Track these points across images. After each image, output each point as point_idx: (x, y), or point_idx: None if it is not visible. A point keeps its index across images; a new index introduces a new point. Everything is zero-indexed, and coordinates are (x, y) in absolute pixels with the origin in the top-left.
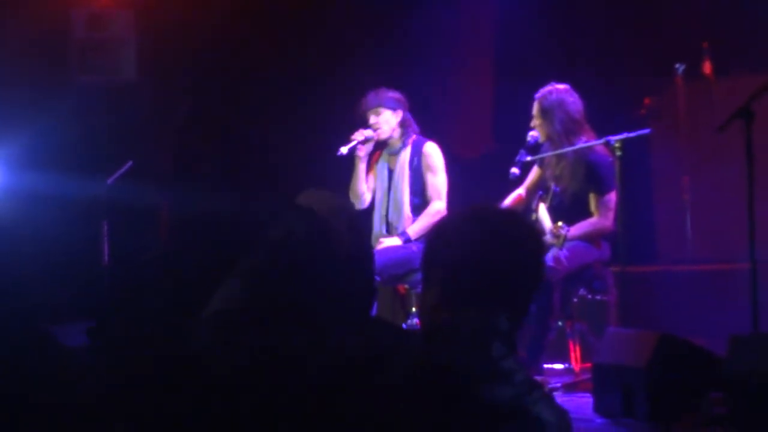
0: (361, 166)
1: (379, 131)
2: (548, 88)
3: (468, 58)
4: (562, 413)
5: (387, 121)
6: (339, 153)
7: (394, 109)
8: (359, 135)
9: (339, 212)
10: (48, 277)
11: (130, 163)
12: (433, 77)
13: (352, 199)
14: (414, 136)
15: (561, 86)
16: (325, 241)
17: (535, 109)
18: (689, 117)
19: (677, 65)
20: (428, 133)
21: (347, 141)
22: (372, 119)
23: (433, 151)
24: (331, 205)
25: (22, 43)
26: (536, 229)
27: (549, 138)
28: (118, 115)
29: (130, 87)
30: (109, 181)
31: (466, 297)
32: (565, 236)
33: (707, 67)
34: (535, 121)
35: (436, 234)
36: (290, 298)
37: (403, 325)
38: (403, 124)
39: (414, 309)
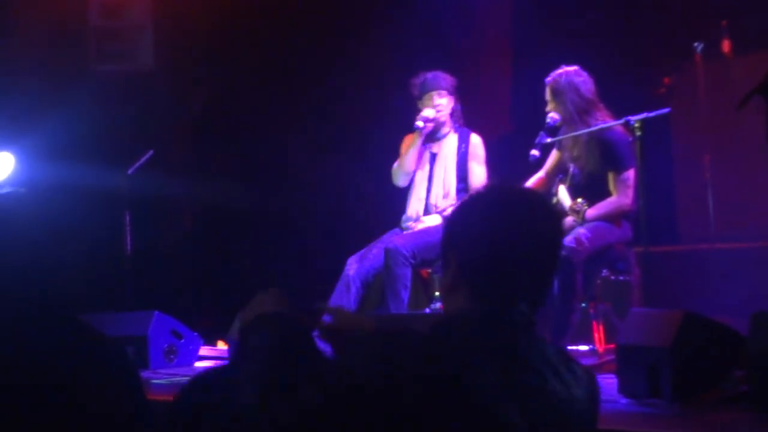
0: (419, 143)
1: (440, 113)
2: (557, 71)
3: (486, 41)
4: (591, 391)
5: (447, 105)
6: (416, 126)
7: (451, 93)
8: (429, 111)
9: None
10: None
11: (150, 152)
12: (451, 60)
13: (399, 174)
14: (459, 124)
15: (570, 68)
16: None
17: (548, 93)
18: (709, 96)
19: (696, 44)
20: None
21: (415, 120)
22: (436, 99)
23: (478, 142)
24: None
25: (38, 33)
26: (555, 210)
27: (564, 120)
28: (137, 103)
29: (147, 75)
30: (130, 171)
31: (484, 279)
32: (585, 212)
33: (726, 46)
34: (549, 105)
35: (455, 214)
36: None
37: (427, 310)
38: (453, 113)
39: (437, 293)
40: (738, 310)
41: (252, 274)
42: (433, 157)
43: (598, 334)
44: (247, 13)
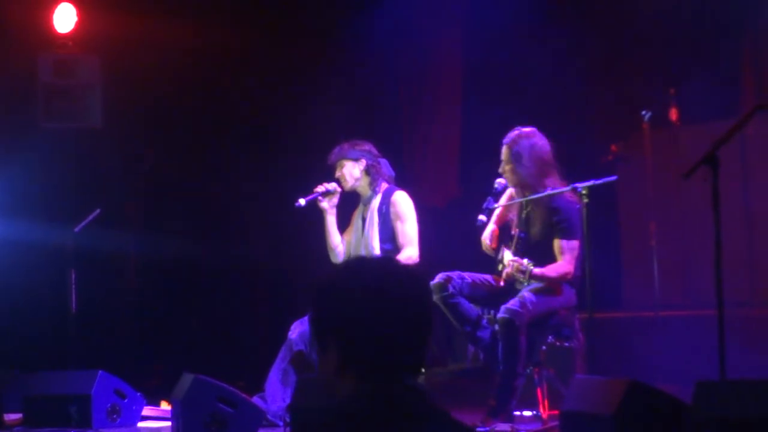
0: (330, 219)
1: (343, 183)
2: (515, 132)
3: (435, 107)
4: None
5: (349, 172)
6: (297, 204)
7: (356, 159)
8: (320, 188)
9: None
10: (16, 324)
11: (97, 210)
12: (400, 125)
13: (329, 252)
14: (385, 185)
15: (527, 129)
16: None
17: (504, 154)
18: (656, 163)
19: (644, 112)
20: (396, 182)
21: (310, 193)
22: (337, 172)
23: (401, 200)
24: None
25: None
26: (418, 273)
27: (519, 182)
28: (85, 161)
29: (96, 133)
30: (77, 229)
31: (369, 355)
32: (530, 271)
33: (674, 114)
34: (505, 167)
35: (320, 300)
36: None
37: None
38: (368, 172)
39: None
40: (681, 376)
41: (198, 334)
42: (364, 222)
43: (543, 400)
44: (196, 74)
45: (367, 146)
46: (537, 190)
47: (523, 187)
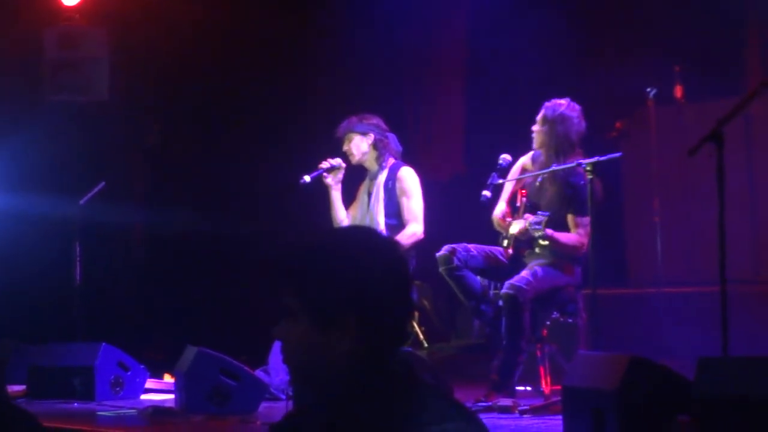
0: (335, 195)
1: (350, 156)
2: (560, 100)
3: (439, 82)
4: None
5: (357, 146)
6: (302, 181)
7: (363, 133)
8: (325, 164)
9: None
10: (21, 296)
11: (102, 183)
12: (404, 100)
13: (334, 225)
14: (392, 160)
15: (573, 104)
16: None
17: (540, 114)
18: (660, 140)
19: (648, 89)
20: (403, 157)
21: (315, 169)
22: (345, 146)
23: (407, 175)
24: None
25: None
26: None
27: (547, 145)
28: (91, 134)
29: (102, 106)
30: (82, 201)
31: (387, 327)
32: (545, 225)
33: (678, 91)
34: (536, 126)
35: (325, 269)
36: None
37: None
38: (376, 147)
39: None
40: (685, 353)
41: (201, 308)
42: (369, 196)
43: (545, 375)
44: (202, 46)
45: (376, 120)
46: (559, 161)
47: (549, 150)
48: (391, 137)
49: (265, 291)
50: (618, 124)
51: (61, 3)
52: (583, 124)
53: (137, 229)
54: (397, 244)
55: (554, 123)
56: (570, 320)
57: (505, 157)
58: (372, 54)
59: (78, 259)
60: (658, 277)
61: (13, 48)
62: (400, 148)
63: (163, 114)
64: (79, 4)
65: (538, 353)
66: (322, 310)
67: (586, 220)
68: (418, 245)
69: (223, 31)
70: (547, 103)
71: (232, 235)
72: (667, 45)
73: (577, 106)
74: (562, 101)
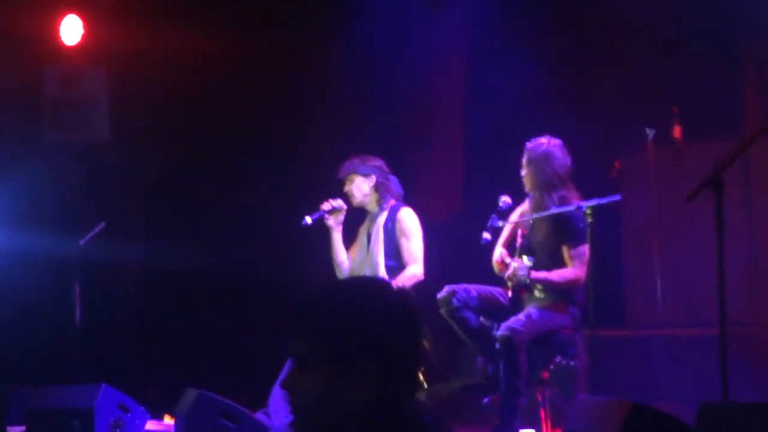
0: (336, 236)
1: (351, 198)
2: (541, 139)
3: (439, 120)
4: None
5: (359, 187)
6: (303, 222)
7: (366, 175)
8: (326, 205)
9: None
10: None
11: (102, 224)
12: (404, 138)
13: (335, 268)
14: (393, 202)
15: (554, 140)
16: None
17: (524, 157)
18: (659, 180)
19: (647, 129)
20: (404, 199)
21: (316, 210)
22: (345, 186)
23: (407, 216)
24: None
25: None
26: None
27: (535, 187)
28: (91, 173)
29: (102, 145)
30: (82, 242)
31: (406, 371)
32: (529, 270)
33: (677, 131)
34: (523, 170)
35: (346, 315)
36: None
37: None
38: (378, 189)
39: None
40: (683, 396)
41: (202, 347)
42: (369, 237)
43: (545, 418)
44: (202, 86)
45: (378, 162)
46: (551, 197)
47: (540, 189)
48: (393, 180)
49: (266, 330)
50: (617, 164)
51: (61, 43)
52: (568, 157)
53: (137, 268)
54: (409, 294)
55: (539, 162)
56: (571, 363)
57: (505, 200)
58: (372, 93)
59: (78, 299)
60: (658, 319)
61: (13, 87)
62: (402, 191)
63: (164, 152)
64: (78, 44)
65: (539, 396)
66: (344, 357)
67: (582, 249)
68: (418, 285)
69: (223, 69)
70: (528, 144)
71: (233, 274)
72: (666, 85)
73: (558, 141)
74: (542, 139)
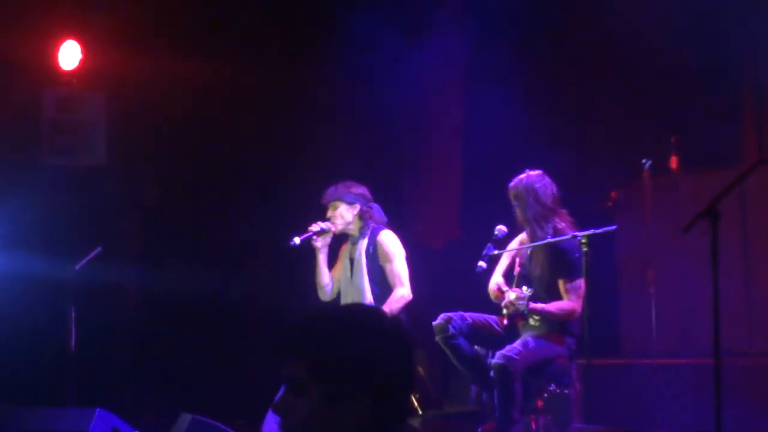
0: (321, 257)
1: (333, 224)
2: (520, 175)
3: (436, 148)
4: None
5: (342, 214)
6: (291, 242)
7: (350, 203)
8: (315, 227)
9: None
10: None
11: (99, 248)
12: (401, 166)
13: (318, 290)
14: (368, 228)
15: (533, 172)
16: None
17: (510, 196)
18: (655, 210)
19: (644, 160)
20: (397, 222)
21: (304, 231)
22: (329, 212)
23: (387, 239)
24: None
25: None
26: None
27: (526, 222)
28: (88, 197)
29: (99, 170)
30: (78, 266)
31: (398, 394)
32: (528, 300)
33: (673, 162)
34: (514, 209)
35: (341, 344)
36: None
37: None
38: (362, 217)
39: None
40: (678, 426)
41: (196, 370)
42: (352, 263)
43: None
44: (200, 110)
45: (362, 189)
46: (544, 230)
47: (531, 223)
48: (375, 207)
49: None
50: (613, 194)
51: (59, 67)
52: (552, 184)
53: (133, 291)
54: (401, 320)
55: (523, 197)
56: (565, 391)
57: (501, 229)
58: (369, 119)
59: (73, 323)
60: (652, 349)
61: (11, 111)
62: (385, 219)
63: (161, 177)
64: (76, 68)
65: (533, 425)
66: (337, 382)
67: (578, 283)
68: (411, 312)
69: (221, 95)
70: (509, 184)
71: (229, 298)
72: (663, 116)
73: (537, 171)
74: (522, 175)
